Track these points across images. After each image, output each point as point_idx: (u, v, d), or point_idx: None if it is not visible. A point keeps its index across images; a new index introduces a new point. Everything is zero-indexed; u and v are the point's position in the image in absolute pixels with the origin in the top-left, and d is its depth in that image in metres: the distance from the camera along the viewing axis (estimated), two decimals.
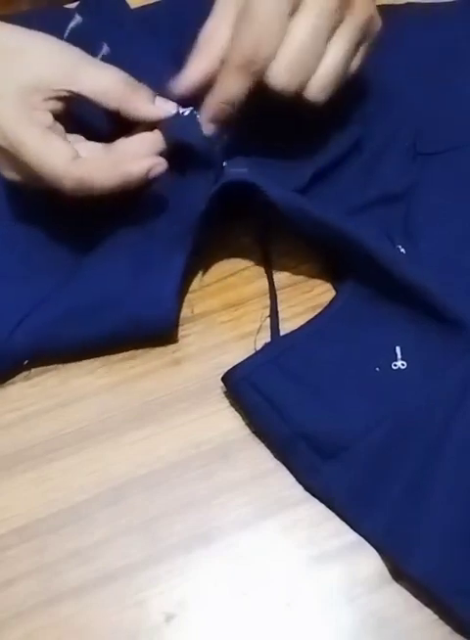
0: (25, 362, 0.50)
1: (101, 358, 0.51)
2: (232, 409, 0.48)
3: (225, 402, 0.49)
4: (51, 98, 0.47)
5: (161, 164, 0.48)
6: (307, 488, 0.46)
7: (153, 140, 0.49)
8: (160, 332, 0.50)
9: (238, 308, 0.52)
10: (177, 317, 0.51)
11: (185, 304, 0.52)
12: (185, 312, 0.52)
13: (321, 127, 0.53)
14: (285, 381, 0.47)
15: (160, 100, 0.49)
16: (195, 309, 0.52)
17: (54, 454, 0.48)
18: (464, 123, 0.55)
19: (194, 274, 0.53)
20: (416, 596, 0.42)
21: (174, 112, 0.49)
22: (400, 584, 0.43)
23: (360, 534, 0.44)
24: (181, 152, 0.49)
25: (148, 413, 0.49)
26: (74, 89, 0.47)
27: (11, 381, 0.50)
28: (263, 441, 0.47)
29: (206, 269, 0.53)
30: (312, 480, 0.46)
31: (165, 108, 0.49)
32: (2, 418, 0.49)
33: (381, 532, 0.44)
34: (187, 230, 0.49)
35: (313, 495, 0.46)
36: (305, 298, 0.51)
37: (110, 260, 0.50)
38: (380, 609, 0.43)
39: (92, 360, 0.51)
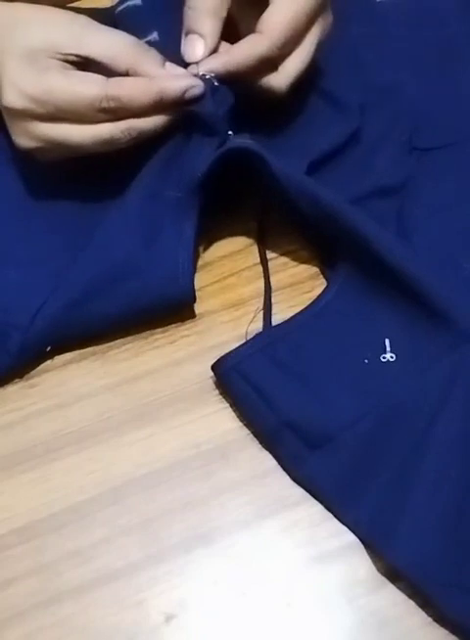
0: (48, 349, 0.50)
1: (101, 358, 0.51)
2: (232, 409, 0.48)
3: (225, 402, 0.49)
4: (59, 60, 0.47)
5: (198, 86, 0.48)
6: (294, 478, 0.46)
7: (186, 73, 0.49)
8: (178, 301, 0.50)
9: (238, 308, 0.52)
10: (193, 286, 0.50)
11: None
12: (185, 312, 0.52)
13: (319, 118, 0.53)
14: (274, 371, 0.47)
15: (170, 65, 0.49)
16: (195, 309, 0.52)
17: (54, 454, 0.48)
18: (460, 120, 0.56)
19: (194, 273, 0.53)
20: (415, 596, 0.42)
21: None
22: (400, 585, 0.43)
23: (344, 524, 0.45)
24: (187, 118, 0.49)
25: (148, 413, 0.49)
26: (83, 52, 0.47)
27: (11, 381, 0.50)
28: (262, 442, 0.47)
29: (206, 269, 0.53)
30: (299, 470, 0.46)
31: (176, 71, 0.49)
32: (2, 418, 0.49)
33: (365, 523, 0.44)
34: (191, 195, 0.49)
35: (299, 485, 0.46)
36: (306, 299, 0.51)
37: (120, 230, 0.50)
38: (379, 609, 0.43)
39: (92, 360, 0.51)
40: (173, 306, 0.51)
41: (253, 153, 0.48)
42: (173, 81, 0.47)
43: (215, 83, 0.48)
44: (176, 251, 0.49)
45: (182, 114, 0.49)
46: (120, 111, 0.47)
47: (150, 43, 0.52)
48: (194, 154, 0.49)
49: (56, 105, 0.47)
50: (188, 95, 0.47)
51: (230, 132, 0.49)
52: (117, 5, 0.58)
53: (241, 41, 0.49)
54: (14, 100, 0.47)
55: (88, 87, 0.47)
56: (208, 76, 0.48)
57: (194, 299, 0.51)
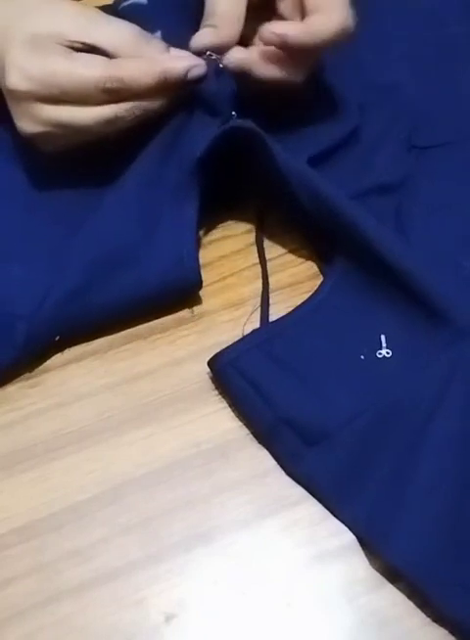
0: (57, 338, 0.50)
1: (101, 358, 0.51)
2: (232, 409, 0.48)
3: (225, 402, 0.49)
4: (64, 46, 0.48)
5: (200, 66, 0.48)
6: (290, 475, 0.46)
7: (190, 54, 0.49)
8: (184, 283, 0.50)
9: (238, 308, 0.52)
10: (199, 268, 0.50)
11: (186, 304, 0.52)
12: (185, 312, 0.52)
13: (319, 115, 0.53)
14: (271, 367, 0.47)
15: (174, 50, 0.49)
16: (195, 309, 0.52)
17: (54, 454, 0.48)
18: (460, 118, 0.56)
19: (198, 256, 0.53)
20: (415, 596, 0.42)
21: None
22: (399, 585, 0.43)
23: (342, 521, 0.45)
24: (190, 99, 0.49)
25: (148, 413, 0.49)
26: (89, 40, 0.48)
27: (11, 380, 0.50)
28: (262, 441, 0.47)
29: (206, 269, 0.53)
30: (296, 466, 0.46)
31: (180, 55, 0.49)
32: (2, 418, 0.49)
33: (362, 520, 0.44)
34: (192, 177, 0.49)
35: (297, 482, 0.46)
36: (304, 299, 0.51)
37: (121, 214, 0.50)
38: (379, 608, 0.43)
39: (92, 360, 0.51)
40: (180, 289, 0.51)
41: (254, 134, 0.48)
42: (176, 61, 0.48)
43: (220, 65, 0.48)
44: (180, 234, 0.50)
45: (186, 93, 0.49)
46: (124, 91, 0.47)
47: None
48: (196, 133, 0.49)
49: (60, 86, 0.47)
50: (191, 75, 0.48)
51: (234, 113, 0.49)
52: (122, 1, 0.58)
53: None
54: (18, 82, 0.47)
55: (91, 68, 0.47)
56: (214, 57, 0.48)
57: (200, 283, 0.50)
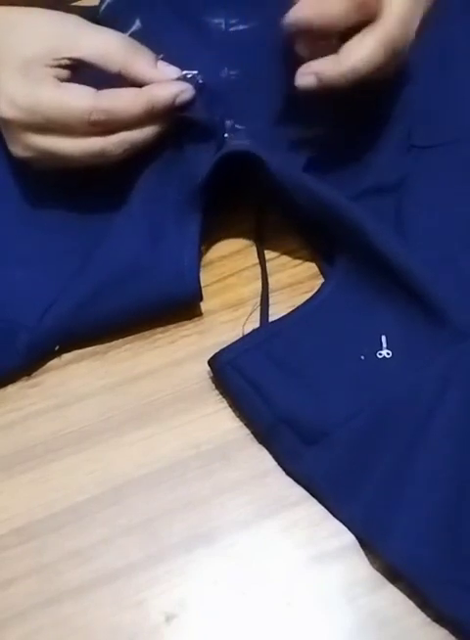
0: (57, 348, 0.50)
1: (101, 358, 0.51)
2: (232, 409, 0.48)
3: (225, 402, 0.49)
4: (53, 66, 0.48)
5: (187, 91, 0.48)
6: (290, 474, 0.46)
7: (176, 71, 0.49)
8: (185, 298, 0.51)
9: (238, 308, 0.52)
10: (199, 284, 0.50)
11: None
12: (185, 313, 0.52)
13: (318, 115, 0.53)
14: (270, 366, 0.47)
15: (162, 63, 0.49)
16: (195, 309, 0.52)
17: (54, 454, 0.48)
18: (459, 118, 0.56)
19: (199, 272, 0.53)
20: (415, 596, 0.42)
21: (176, 75, 0.49)
22: (399, 585, 0.43)
23: (339, 520, 0.45)
24: (183, 121, 0.49)
25: (148, 413, 0.49)
26: (75, 55, 0.48)
27: (11, 381, 0.50)
28: (262, 441, 0.47)
29: (206, 269, 0.53)
30: (294, 465, 0.46)
31: (168, 71, 0.49)
32: (2, 418, 0.49)
33: (360, 519, 0.44)
34: (193, 199, 0.49)
35: (296, 481, 0.46)
36: (305, 299, 0.51)
37: (126, 234, 0.50)
38: (379, 609, 0.43)
39: (92, 360, 0.51)
40: (180, 304, 0.51)
41: (251, 155, 0.48)
42: (162, 89, 0.48)
43: (200, 81, 0.48)
44: (181, 251, 0.50)
45: (174, 122, 0.49)
46: (111, 123, 0.47)
47: (134, 33, 0.52)
48: (193, 160, 0.50)
49: (45, 116, 0.47)
50: (178, 101, 0.48)
51: (226, 134, 0.49)
52: (100, 4, 0.58)
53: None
54: (6, 110, 0.48)
55: (78, 100, 0.47)
56: (189, 76, 0.48)
57: (200, 297, 0.51)
